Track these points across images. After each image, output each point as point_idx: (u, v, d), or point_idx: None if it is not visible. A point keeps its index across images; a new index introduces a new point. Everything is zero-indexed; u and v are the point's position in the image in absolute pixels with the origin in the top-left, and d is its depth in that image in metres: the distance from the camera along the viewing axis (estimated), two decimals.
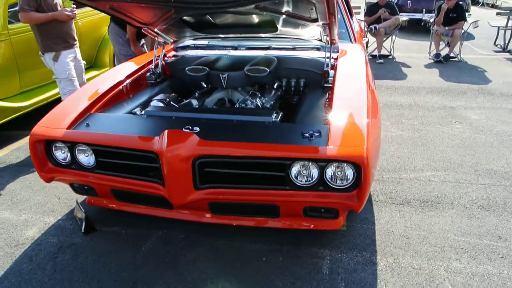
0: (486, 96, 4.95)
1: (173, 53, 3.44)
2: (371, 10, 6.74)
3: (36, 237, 2.54)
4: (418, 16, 7.97)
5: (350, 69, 2.75)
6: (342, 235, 2.46)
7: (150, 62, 3.17)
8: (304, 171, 2.01)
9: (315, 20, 2.50)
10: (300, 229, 2.32)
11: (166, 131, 2.01)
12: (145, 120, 2.34)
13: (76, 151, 2.31)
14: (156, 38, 3.08)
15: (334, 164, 1.95)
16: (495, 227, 2.51)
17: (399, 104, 4.76)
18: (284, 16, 2.51)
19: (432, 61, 6.63)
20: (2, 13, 4.04)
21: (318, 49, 3.02)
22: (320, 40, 2.90)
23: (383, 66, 6.45)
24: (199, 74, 2.80)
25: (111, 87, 2.76)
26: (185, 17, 2.74)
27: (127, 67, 3.11)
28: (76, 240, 2.49)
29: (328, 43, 2.90)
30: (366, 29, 6.66)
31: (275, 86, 3.02)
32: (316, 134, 2.01)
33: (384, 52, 6.88)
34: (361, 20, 6.95)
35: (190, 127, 2.16)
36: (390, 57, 6.90)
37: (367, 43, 6.86)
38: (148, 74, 3.05)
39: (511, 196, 2.84)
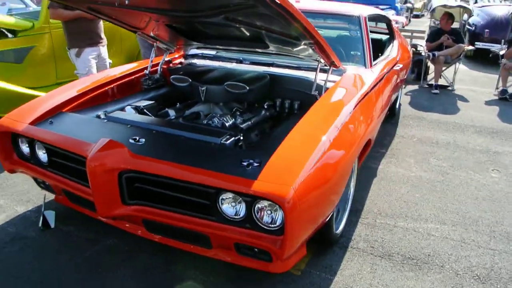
0: None
1: (180, 60, 3.39)
2: (433, 35, 6.16)
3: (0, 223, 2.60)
4: (486, 46, 7.11)
5: (337, 97, 2.46)
6: (292, 281, 2.17)
7: (152, 67, 3.14)
8: (233, 204, 1.80)
9: (298, 38, 2.27)
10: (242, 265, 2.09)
11: (100, 140, 1.92)
12: (102, 125, 2.28)
13: (36, 147, 2.33)
14: (154, 43, 3.04)
15: (265, 202, 1.72)
16: None
17: (435, 141, 4.24)
18: (264, 31, 2.32)
19: (496, 97, 5.87)
20: (44, 9, 4.31)
21: (324, 71, 2.77)
22: (320, 61, 2.63)
23: (436, 97, 5.84)
24: (181, 84, 2.70)
25: (96, 87, 2.76)
26: (174, 25, 2.66)
27: (123, 69, 3.10)
28: (31, 234, 2.50)
29: (327, 65, 2.65)
30: (426, 55, 6.10)
31: (265, 105, 2.81)
32: (255, 165, 1.78)
33: (443, 82, 6.24)
34: (418, 45, 6.41)
35: (137, 138, 2.06)
36: (449, 88, 6.23)
37: (424, 71, 6.34)
38: (142, 79, 3.01)
39: None
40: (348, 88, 2.63)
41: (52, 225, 2.56)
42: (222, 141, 2.02)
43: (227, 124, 2.40)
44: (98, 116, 2.40)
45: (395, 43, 4.24)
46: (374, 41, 4.54)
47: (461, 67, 7.02)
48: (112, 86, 2.84)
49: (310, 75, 2.73)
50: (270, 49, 2.71)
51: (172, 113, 2.64)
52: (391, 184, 3.28)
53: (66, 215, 2.64)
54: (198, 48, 3.28)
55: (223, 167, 1.78)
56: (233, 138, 2.07)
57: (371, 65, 3.05)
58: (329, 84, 2.63)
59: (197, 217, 1.86)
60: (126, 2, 1.85)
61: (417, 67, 6.49)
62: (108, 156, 1.86)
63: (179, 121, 2.49)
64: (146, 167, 1.85)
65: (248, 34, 2.48)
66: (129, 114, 2.43)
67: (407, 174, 3.47)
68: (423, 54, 6.22)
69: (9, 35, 4.28)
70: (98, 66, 3.97)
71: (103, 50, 4.00)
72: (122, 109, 2.62)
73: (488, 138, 4.36)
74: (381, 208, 2.92)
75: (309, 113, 2.23)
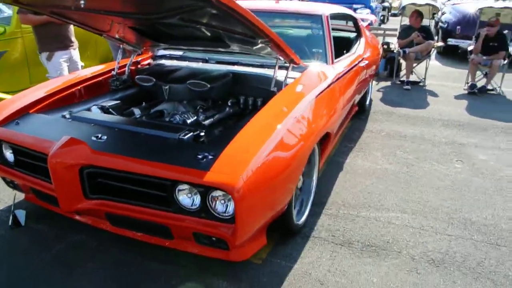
0: (508, 136, 4.39)
1: (149, 61, 3.46)
2: (404, 33, 6.31)
3: None
4: (458, 42, 7.30)
5: (295, 91, 2.56)
6: (252, 269, 2.25)
7: (120, 68, 3.20)
8: (189, 195, 1.88)
9: (254, 37, 2.37)
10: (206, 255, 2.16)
11: (62, 137, 1.99)
12: (67, 124, 2.34)
13: (3, 147, 2.38)
14: (121, 45, 3.10)
15: (218, 192, 1.80)
16: None
17: (403, 135, 4.37)
18: (222, 31, 2.40)
19: (466, 92, 6.05)
20: (14, 14, 4.34)
21: (286, 68, 2.87)
22: (279, 59, 2.72)
23: (407, 93, 6.00)
24: (145, 84, 2.77)
25: (64, 88, 2.82)
26: (136, 27, 2.73)
27: (92, 71, 3.16)
28: (0, 233, 2.54)
29: (287, 62, 2.75)
30: (397, 52, 6.25)
31: (229, 103, 2.90)
32: (210, 157, 1.87)
33: (415, 78, 6.40)
34: (390, 43, 6.57)
35: (99, 136, 2.13)
36: (421, 84, 6.40)
37: (397, 68, 6.49)
38: (110, 80, 3.07)
39: (475, 254, 2.45)
40: (307, 83, 2.73)
41: (23, 223, 2.60)
42: (180, 137, 2.09)
43: (188, 121, 2.47)
44: (64, 116, 2.46)
45: (362, 40, 4.36)
46: (341, 39, 4.68)
47: (434, 63, 7.22)
48: (79, 87, 2.90)
49: (271, 72, 2.82)
50: (232, 48, 2.80)
51: (137, 112, 2.71)
52: (356, 177, 3.39)
53: (37, 213, 2.68)
54: (165, 49, 3.35)
55: (179, 160, 1.86)
56: (191, 133, 2.15)
57: (332, 62, 3.16)
58: (289, 81, 2.73)
59: (156, 209, 1.94)
60: (82, 5, 1.92)
61: (389, 64, 6.65)
62: (69, 152, 1.92)
63: (141, 119, 2.56)
64: (105, 162, 1.92)
65: (208, 34, 2.56)
66: (93, 113, 2.49)
67: (373, 167, 3.58)
68: (395, 51, 6.38)
69: None
70: (70, 69, 4.01)
71: (75, 53, 4.05)
72: (89, 109, 2.68)
73: (455, 131, 4.52)
74: (345, 200, 3.03)
75: (266, 107, 2.32)
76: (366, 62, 4.03)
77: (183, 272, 2.21)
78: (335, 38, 4.64)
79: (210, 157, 1.87)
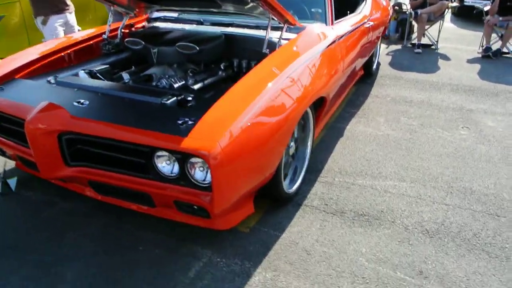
0: None
1: (143, 24, 3.34)
2: None
3: None
4: (475, 3, 6.90)
5: (287, 53, 2.43)
6: (239, 238, 2.22)
7: (112, 31, 3.09)
8: (168, 162, 1.82)
9: None
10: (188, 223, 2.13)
11: (41, 103, 1.93)
12: (51, 89, 2.28)
13: None
14: (111, 7, 2.99)
15: (197, 158, 1.73)
16: (425, 259, 2.10)
17: (409, 100, 4.21)
18: None
19: (480, 56, 5.77)
20: None
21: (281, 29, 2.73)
22: (273, 19, 2.58)
23: (418, 57, 5.75)
24: (134, 47, 2.67)
25: (53, 52, 2.74)
26: None
27: (83, 34, 3.07)
28: None
29: (281, 23, 2.61)
30: (411, 14, 5.96)
31: (221, 66, 2.79)
32: (190, 123, 1.79)
33: (427, 41, 6.12)
34: (403, 4, 6.25)
35: (81, 101, 2.07)
36: (433, 47, 6.12)
37: (408, 30, 6.20)
38: (101, 43, 2.98)
39: (472, 225, 2.36)
40: (302, 44, 2.59)
41: (14, 190, 2.60)
42: (162, 101, 2.01)
43: (175, 85, 2.38)
44: (49, 81, 2.40)
45: (368, 1, 4.14)
46: None
47: (448, 25, 6.89)
48: (69, 51, 2.81)
49: (264, 32, 2.69)
50: (225, 9, 2.67)
51: (126, 76, 2.62)
52: (356, 143, 3.29)
53: (28, 181, 2.68)
54: (158, 10, 3.22)
55: (158, 126, 1.79)
56: (174, 98, 2.06)
57: (332, 23, 2.99)
58: (283, 42, 2.60)
59: (136, 176, 1.89)
60: None
61: (401, 27, 6.36)
62: (46, 118, 1.86)
63: (126, 84, 2.48)
64: (82, 128, 1.86)
65: None
66: (78, 78, 2.42)
67: (374, 133, 3.47)
68: (407, 13, 6.08)
69: None
70: (66, 33, 3.92)
71: (70, 17, 3.94)
72: (76, 74, 2.61)
73: (464, 96, 4.33)
74: (342, 167, 2.94)
75: (254, 69, 2.22)
76: (372, 23, 3.83)
77: (168, 241, 2.18)
78: None
79: (190, 122, 1.79)
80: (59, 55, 2.76)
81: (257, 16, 2.70)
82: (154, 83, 2.45)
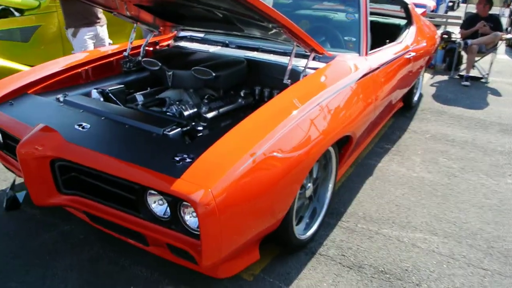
0: None
1: (169, 42, 3.24)
2: (468, 22, 5.59)
3: None
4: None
5: (310, 85, 2.21)
6: (239, 286, 1.99)
7: (133, 49, 3.00)
8: (161, 202, 1.64)
9: (262, 21, 2.04)
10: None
11: (36, 125, 1.82)
12: (56, 109, 2.17)
13: None
14: (134, 24, 2.89)
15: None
16: None
17: (451, 138, 3.85)
18: (227, 12, 2.11)
19: None
20: None
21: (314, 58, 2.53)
22: (297, 47, 2.38)
23: (465, 90, 5.34)
24: (151, 67, 2.54)
25: (71, 67, 2.67)
26: (140, 4, 2.49)
27: (104, 50, 2.99)
28: None
29: (307, 51, 2.41)
30: (460, 44, 5.57)
31: (242, 93, 2.60)
32: (187, 160, 1.61)
33: (477, 73, 5.69)
34: (452, 33, 5.86)
35: (82, 124, 1.95)
36: (482, 80, 5.68)
37: (457, 61, 5.80)
38: (122, 61, 2.89)
39: None
40: (328, 76, 2.37)
41: (21, 202, 2.52)
42: (164, 132, 1.85)
43: (185, 113, 2.22)
44: (57, 99, 2.30)
45: (412, 29, 3.85)
46: (386, 26, 4.19)
47: (502, 57, 6.41)
48: (88, 67, 2.74)
49: (293, 61, 2.49)
50: (248, 33, 2.50)
51: (139, 98, 2.50)
52: (386, 185, 2.99)
53: None
54: (184, 30, 3.11)
55: (152, 161, 1.62)
56: (178, 129, 1.89)
57: (366, 53, 2.74)
58: (308, 72, 2.38)
59: (127, 213, 1.72)
60: None
61: (448, 56, 5.97)
62: (38, 142, 1.74)
63: (134, 108, 2.34)
64: (73, 156, 1.72)
65: (217, 15, 2.27)
66: (86, 98, 2.30)
67: (408, 174, 3.15)
68: (456, 42, 5.69)
69: (16, 13, 4.30)
70: (96, 46, 3.90)
71: (101, 30, 3.92)
72: (90, 92, 2.51)
73: None
74: (367, 212, 2.66)
75: (271, 101, 2.02)
76: (414, 54, 3.54)
77: (162, 282, 1.99)
78: (379, 25, 4.19)
79: (188, 160, 1.61)
80: (77, 70, 2.68)
81: (283, 43, 2.51)
82: (164, 109, 2.29)
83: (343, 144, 2.42)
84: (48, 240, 2.25)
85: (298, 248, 2.24)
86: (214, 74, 2.28)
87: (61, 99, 2.30)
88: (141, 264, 2.10)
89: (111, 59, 2.89)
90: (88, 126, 1.94)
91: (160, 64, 2.48)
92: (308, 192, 2.23)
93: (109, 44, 4.07)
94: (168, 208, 1.61)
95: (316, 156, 1.98)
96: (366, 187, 2.95)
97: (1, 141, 2.23)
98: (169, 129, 1.86)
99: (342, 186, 2.93)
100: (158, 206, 1.65)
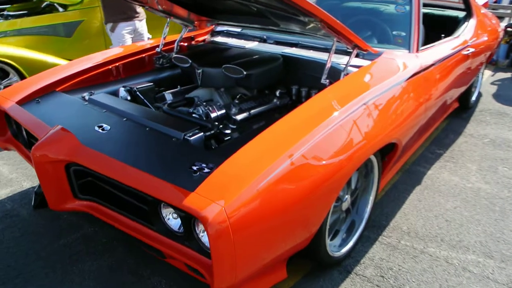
0: None
1: (205, 37, 3.10)
2: None
3: (1, 198, 2.60)
4: None
5: (351, 86, 1.98)
6: None
7: (167, 44, 2.89)
8: (175, 215, 1.50)
9: (296, 14, 1.84)
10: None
11: (53, 127, 1.74)
12: (80, 108, 2.09)
13: (22, 127, 2.24)
14: (168, 19, 2.77)
15: None
16: None
17: None
18: (261, 6, 1.92)
19: None
20: None
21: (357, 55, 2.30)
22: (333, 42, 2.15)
23: None
24: (181, 64, 2.41)
25: (102, 64, 2.60)
26: None
27: (137, 45, 2.90)
28: (23, 212, 2.46)
29: (350, 48, 2.18)
30: None
31: (277, 93, 2.41)
32: (206, 170, 1.46)
33: None
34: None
35: (103, 126, 1.85)
36: None
37: None
38: (154, 57, 2.78)
39: None
40: (373, 75, 2.12)
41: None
42: (186, 136, 1.70)
43: (212, 115, 2.06)
44: (83, 98, 2.22)
45: (472, 21, 3.46)
46: (443, 19, 3.82)
47: None
48: (119, 64, 2.66)
49: (333, 58, 2.27)
50: (284, 28, 2.31)
51: (169, 97, 2.38)
52: (436, 196, 2.69)
53: None
54: (220, 24, 2.95)
55: (167, 171, 1.48)
56: (201, 134, 1.74)
57: (417, 49, 2.45)
58: (350, 70, 2.15)
59: (142, 224, 1.60)
60: None
61: None
62: (53, 146, 1.66)
63: (158, 109, 2.22)
64: (85, 161, 1.62)
65: (251, 9, 2.09)
66: (111, 97, 2.19)
67: (462, 185, 2.82)
68: None
69: (60, 9, 4.35)
70: (134, 40, 3.85)
71: (140, 24, 3.86)
72: (118, 90, 2.42)
73: None
74: (412, 226, 2.38)
75: (307, 103, 1.81)
76: (473, 49, 3.17)
77: None
78: (434, 17, 3.81)
79: (206, 170, 1.45)
80: (107, 67, 2.61)
81: (324, 38, 2.29)
82: (191, 109, 2.14)
83: (387, 151, 2.17)
84: (71, 243, 2.20)
85: (331, 265, 2.04)
86: (245, 73, 2.10)
87: (87, 97, 2.22)
88: (162, 275, 1.98)
89: (143, 55, 2.79)
90: (108, 127, 1.83)
91: (190, 61, 2.33)
92: (345, 205, 2.01)
93: (148, 39, 4.01)
94: (180, 222, 1.46)
95: (357, 164, 1.76)
96: (412, 197, 2.67)
97: (26, 140, 2.19)
98: (190, 134, 1.72)
99: (386, 195, 2.67)
100: (172, 219, 1.51)
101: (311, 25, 1.98)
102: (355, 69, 2.18)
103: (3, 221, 2.37)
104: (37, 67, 3.71)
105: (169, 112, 2.11)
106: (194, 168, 1.47)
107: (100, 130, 1.81)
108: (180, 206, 1.31)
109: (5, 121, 2.33)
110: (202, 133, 1.74)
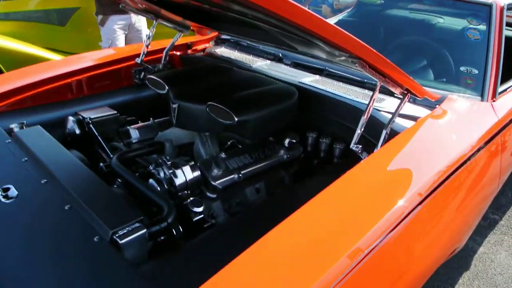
0: None
1: (206, 45, 2.42)
2: None
3: None
4: None
5: (398, 164, 1.27)
6: None
7: (155, 53, 2.23)
8: None
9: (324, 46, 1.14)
10: None
11: None
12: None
13: None
14: (154, 21, 2.10)
15: None
16: None
17: None
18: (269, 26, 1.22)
19: None
20: None
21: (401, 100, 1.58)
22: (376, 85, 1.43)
23: None
24: (156, 90, 1.72)
25: (61, 76, 1.95)
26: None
27: (112, 53, 2.25)
28: None
29: (398, 94, 1.46)
30: None
31: (286, 143, 1.68)
32: None
33: None
34: None
35: (9, 189, 1.21)
36: None
37: None
38: (133, 70, 2.12)
39: None
40: (431, 140, 1.40)
41: None
42: (114, 236, 1.03)
43: (177, 182, 1.34)
44: (11, 131, 1.57)
45: None
46: None
47: None
48: (83, 76, 2.01)
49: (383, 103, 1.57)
50: (305, 53, 1.61)
51: (134, 134, 1.71)
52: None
53: None
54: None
55: None
56: (144, 230, 1.06)
57: (494, 95, 1.70)
58: (399, 125, 1.44)
59: None
60: None
61: None
62: None
63: (113, 151, 1.56)
64: None
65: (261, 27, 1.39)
66: (42, 135, 1.51)
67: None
68: None
69: None
70: (129, 38, 3.22)
71: (137, 19, 3.19)
72: (66, 117, 1.76)
73: None
74: None
75: (334, 183, 1.12)
76: None
77: None
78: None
79: None
80: (67, 80, 1.96)
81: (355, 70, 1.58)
82: (151, 168, 1.44)
83: None
84: None
85: None
86: (236, 119, 1.40)
87: (16, 129, 1.57)
88: None
89: (119, 66, 2.13)
90: (15, 194, 1.18)
91: (166, 87, 1.65)
92: None
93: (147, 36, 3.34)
94: None
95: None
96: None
97: None
98: (123, 231, 1.04)
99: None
100: None
101: (342, 58, 1.27)
102: (404, 122, 1.47)
103: None
104: (19, 61, 3.11)
105: (116, 170, 1.41)
106: None
107: (2, 199, 1.17)
108: None
109: None
110: (144, 230, 1.06)
